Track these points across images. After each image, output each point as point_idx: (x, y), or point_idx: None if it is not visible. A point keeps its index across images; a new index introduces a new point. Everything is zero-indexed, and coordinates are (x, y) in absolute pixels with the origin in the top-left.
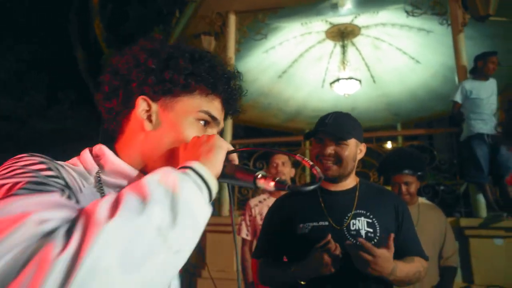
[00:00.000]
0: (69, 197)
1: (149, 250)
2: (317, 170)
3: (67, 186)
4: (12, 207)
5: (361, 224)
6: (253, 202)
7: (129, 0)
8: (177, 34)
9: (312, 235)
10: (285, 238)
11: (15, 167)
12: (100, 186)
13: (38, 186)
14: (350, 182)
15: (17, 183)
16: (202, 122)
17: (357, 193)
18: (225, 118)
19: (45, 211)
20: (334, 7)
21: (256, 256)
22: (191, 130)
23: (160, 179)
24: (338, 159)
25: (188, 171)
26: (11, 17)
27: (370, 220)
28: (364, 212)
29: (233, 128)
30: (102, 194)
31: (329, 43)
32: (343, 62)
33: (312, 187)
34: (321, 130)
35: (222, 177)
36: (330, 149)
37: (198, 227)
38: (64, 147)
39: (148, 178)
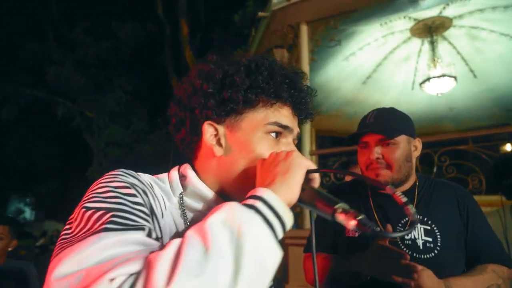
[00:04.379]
0: (149, 232)
1: None
2: (411, 210)
3: (150, 210)
4: (99, 250)
5: (417, 233)
6: None
7: (213, 27)
8: (253, 51)
9: (360, 242)
10: (334, 239)
11: (108, 188)
12: (183, 210)
13: (125, 221)
14: (409, 183)
15: (107, 211)
16: (273, 134)
17: (415, 195)
18: (300, 124)
19: (116, 269)
20: (414, 1)
21: (307, 251)
22: (263, 146)
23: (224, 220)
24: (388, 163)
25: (258, 203)
26: (118, 56)
27: (428, 227)
28: (421, 218)
29: (316, 139)
30: (185, 218)
31: (416, 41)
32: (434, 59)
33: (399, 234)
34: (363, 133)
35: (300, 201)
36: (377, 152)
37: (266, 272)
38: (166, 168)
39: (212, 219)
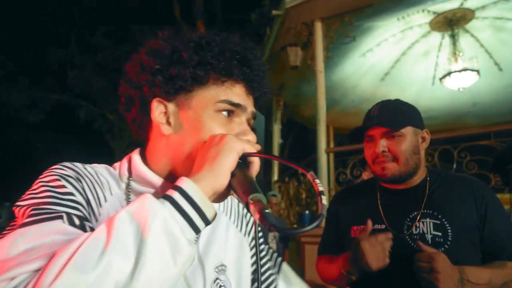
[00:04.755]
0: (71, 218)
1: None
2: (323, 201)
3: (85, 195)
4: (13, 245)
5: (426, 227)
6: None
7: (230, 27)
8: (268, 50)
9: None
10: (340, 240)
11: (41, 184)
12: (128, 193)
13: (44, 211)
14: (418, 177)
15: (29, 206)
16: (224, 113)
17: (426, 190)
18: (256, 103)
19: (21, 266)
20: None
21: (319, 253)
22: (212, 124)
23: (133, 213)
24: (394, 155)
25: (175, 194)
26: None
27: (437, 221)
28: (431, 212)
29: (334, 136)
30: (129, 201)
31: (436, 35)
32: (455, 53)
33: (302, 230)
34: (368, 126)
35: (230, 187)
36: (382, 146)
37: (168, 270)
38: None
39: (123, 212)
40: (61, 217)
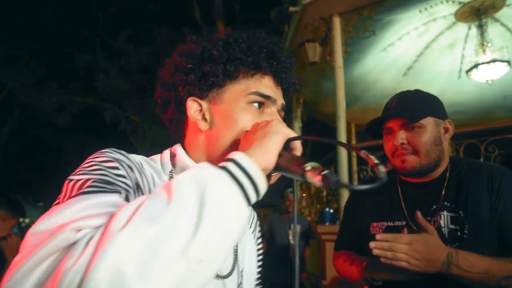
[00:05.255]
0: (127, 196)
1: (166, 261)
2: (381, 170)
3: (136, 185)
4: (76, 210)
5: (443, 221)
6: None
7: (249, 26)
8: (286, 47)
9: None
10: (359, 237)
11: (93, 163)
12: None
13: (103, 185)
14: (441, 169)
15: (88, 179)
16: (255, 105)
17: (446, 182)
18: (285, 95)
19: (84, 220)
20: None
21: (336, 249)
22: (245, 116)
23: (192, 177)
24: (414, 147)
25: (229, 164)
26: (158, 61)
27: (455, 214)
28: (449, 204)
29: (356, 134)
30: None
31: (462, 26)
32: (482, 44)
33: (364, 187)
34: (385, 117)
35: (277, 168)
36: (401, 138)
37: (229, 231)
38: None
39: (181, 176)
40: (119, 192)
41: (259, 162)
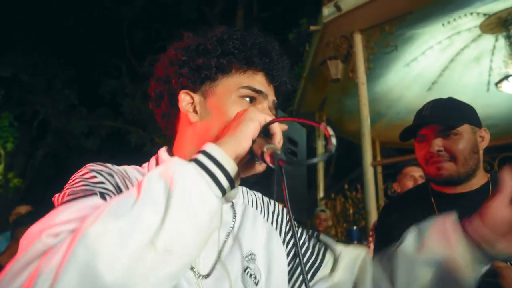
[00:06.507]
0: (103, 195)
1: (134, 251)
2: (332, 142)
3: (117, 188)
4: (53, 216)
5: None
6: None
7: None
8: (308, 65)
9: None
10: None
11: (74, 177)
12: None
13: (81, 192)
14: (477, 180)
15: (68, 190)
16: (247, 99)
17: (489, 194)
18: (277, 92)
19: (60, 225)
20: None
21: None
22: (235, 109)
23: (160, 172)
24: (452, 154)
25: (199, 155)
26: None
27: None
28: None
29: (381, 150)
30: None
31: (488, 38)
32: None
33: (309, 162)
34: (420, 125)
35: (251, 153)
36: (437, 145)
37: (196, 220)
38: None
39: (151, 172)
40: (95, 194)
41: (230, 150)
